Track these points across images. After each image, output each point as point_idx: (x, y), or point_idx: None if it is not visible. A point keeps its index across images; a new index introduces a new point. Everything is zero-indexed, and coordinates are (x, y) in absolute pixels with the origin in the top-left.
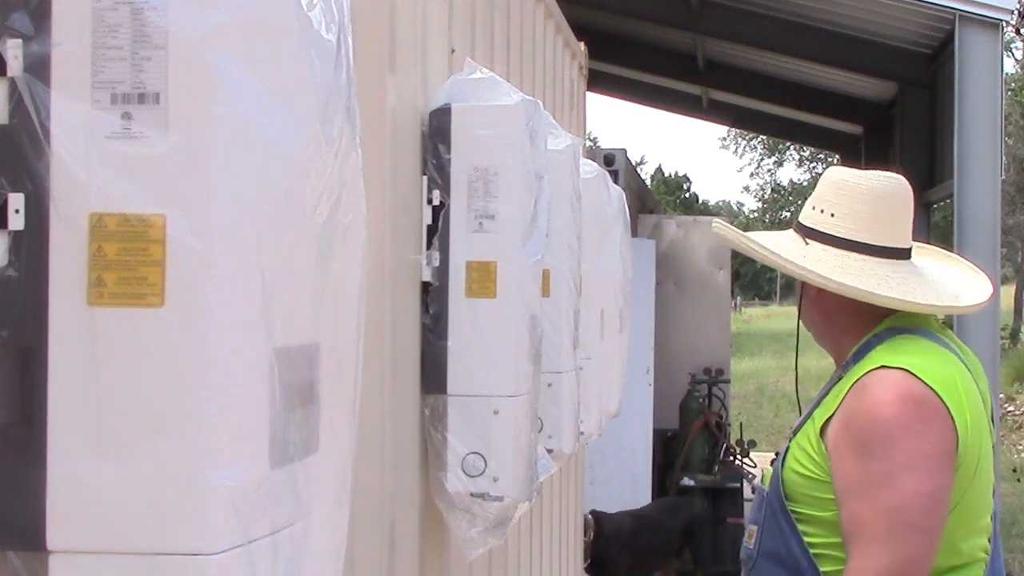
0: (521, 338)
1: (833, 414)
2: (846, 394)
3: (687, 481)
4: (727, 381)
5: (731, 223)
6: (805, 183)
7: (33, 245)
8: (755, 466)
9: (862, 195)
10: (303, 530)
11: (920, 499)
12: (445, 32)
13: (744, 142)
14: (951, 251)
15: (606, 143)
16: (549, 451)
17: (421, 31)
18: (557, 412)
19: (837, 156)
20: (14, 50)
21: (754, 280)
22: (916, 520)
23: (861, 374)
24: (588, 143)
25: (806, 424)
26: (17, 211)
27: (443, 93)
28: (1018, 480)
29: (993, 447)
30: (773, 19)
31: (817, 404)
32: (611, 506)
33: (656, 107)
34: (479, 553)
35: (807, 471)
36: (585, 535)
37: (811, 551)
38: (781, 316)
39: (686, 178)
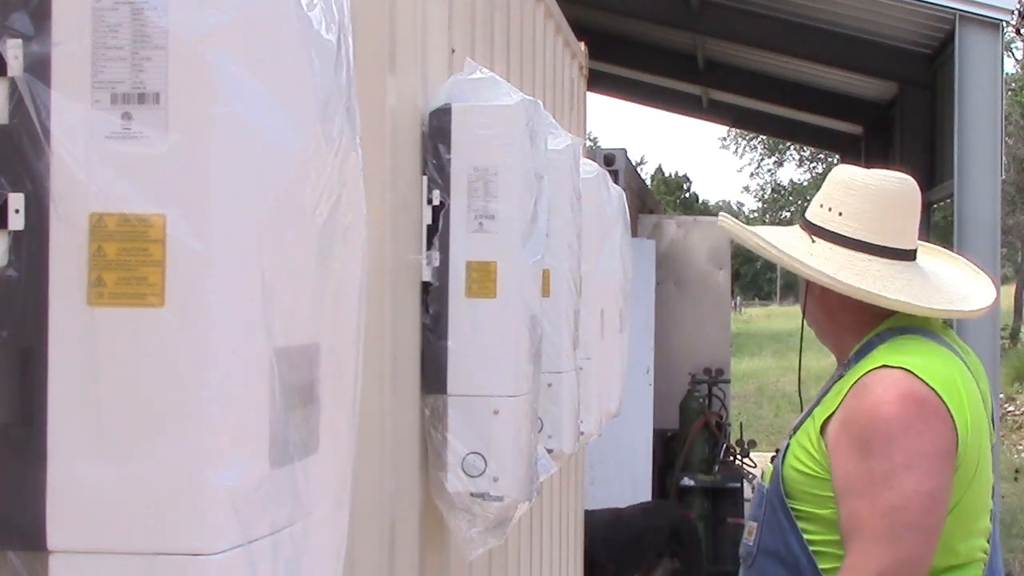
0: (521, 338)
1: (834, 412)
2: (847, 393)
3: (687, 481)
4: (727, 381)
5: None
6: (805, 183)
7: (33, 245)
8: (755, 466)
9: (871, 195)
10: (303, 530)
11: (919, 499)
12: (445, 32)
13: (744, 142)
14: (951, 251)
15: (606, 143)
16: (549, 451)
17: (421, 31)
18: (557, 412)
19: (837, 156)
20: (14, 50)
21: (754, 280)
22: (915, 520)
23: (862, 373)
24: (588, 143)
25: (806, 422)
26: (17, 211)
27: (443, 93)
28: (1016, 480)
29: (993, 448)
30: (773, 19)
31: (818, 402)
32: (611, 506)
33: (656, 107)
34: (479, 553)
35: (807, 468)
36: None
37: (810, 548)
38: (781, 316)
39: (686, 178)
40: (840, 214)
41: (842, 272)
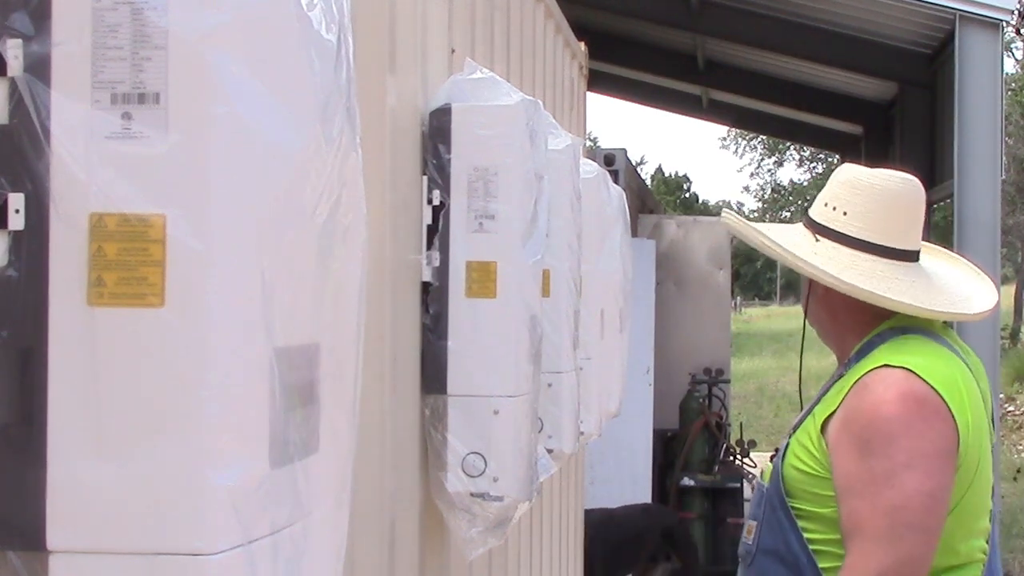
0: (521, 338)
1: (834, 411)
2: (848, 392)
3: (687, 481)
4: (727, 381)
5: None
6: (805, 183)
7: (33, 245)
8: (755, 466)
9: (876, 195)
10: (303, 530)
11: (920, 498)
12: (445, 32)
13: (744, 142)
14: (951, 251)
15: (606, 143)
16: (549, 451)
17: (421, 31)
18: (557, 412)
19: (837, 156)
20: (14, 50)
21: (754, 280)
22: (916, 519)
23: (863, 372)
24: (588, 143)
25: (807, 420)
26: (17, 211)
27: (443, 93)
28: (1016, 480)
29: (993, 448)
30: (773, 19)
31: (818, 401)
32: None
33: (656, 107)
34: (479, 553)
35: (807, 467)
36: None
37: (810, 547)
38: (781, 316)
39: (686, 178)
40: (845, 213)
41: (846, 272)
